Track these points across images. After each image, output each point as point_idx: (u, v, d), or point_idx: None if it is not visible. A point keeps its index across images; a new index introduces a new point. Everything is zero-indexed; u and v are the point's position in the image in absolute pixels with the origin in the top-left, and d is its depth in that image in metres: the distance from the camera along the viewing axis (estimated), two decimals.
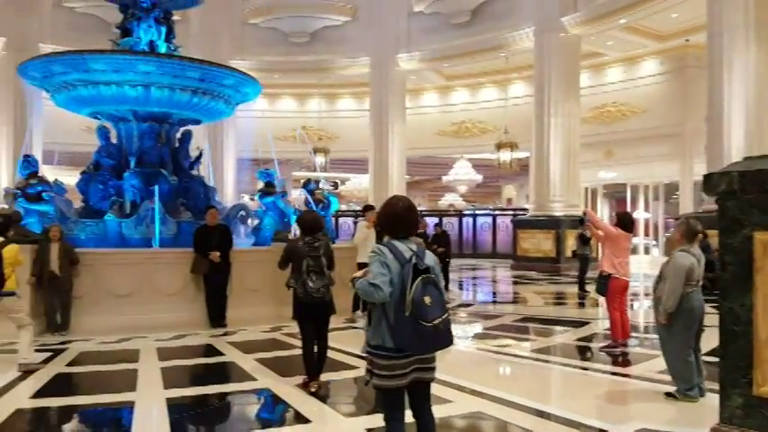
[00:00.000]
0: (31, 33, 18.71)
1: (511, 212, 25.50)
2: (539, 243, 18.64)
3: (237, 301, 8.83)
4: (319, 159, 22.93)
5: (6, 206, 9.91)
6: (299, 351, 6.54)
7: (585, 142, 19.25)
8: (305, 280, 5.28)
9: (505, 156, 20.39)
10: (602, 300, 8.23)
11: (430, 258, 3.14)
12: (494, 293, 14.28)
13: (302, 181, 16.10)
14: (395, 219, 3.19)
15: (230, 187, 21.71)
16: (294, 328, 7.74)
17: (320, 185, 15.90)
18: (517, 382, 6.05)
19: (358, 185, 31.69)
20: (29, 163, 9.45)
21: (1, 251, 5.93)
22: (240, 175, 22.84)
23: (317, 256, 5.38)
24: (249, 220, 11.99)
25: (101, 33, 16.72)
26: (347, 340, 7.02)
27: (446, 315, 3.03)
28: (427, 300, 2.94)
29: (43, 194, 9.19)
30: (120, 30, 11.20)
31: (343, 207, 27.53)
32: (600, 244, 9.08)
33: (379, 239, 9.52)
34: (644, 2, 16.12)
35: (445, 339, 3.04)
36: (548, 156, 18.32)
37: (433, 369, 3.16)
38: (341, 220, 25.53)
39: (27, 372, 5.89)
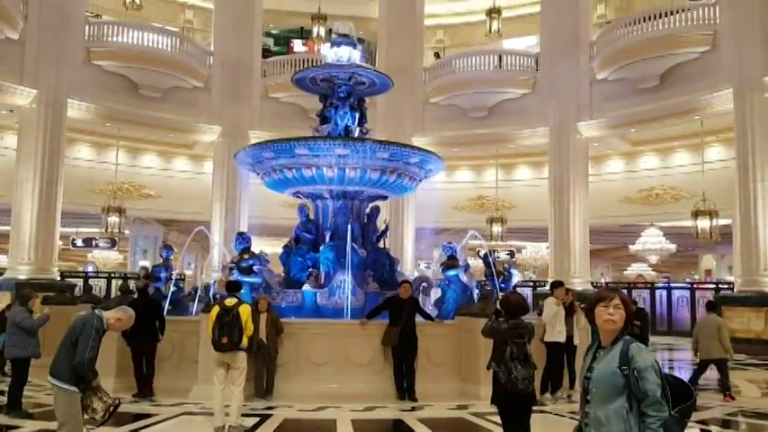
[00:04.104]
0: (242, 122, 21.32)
1: (712, 286, 23.08)
2: (748, 323, 16.55)
3: (422, 375, 8.93)
4: (496, 228, 22.81)
5: (223, 276, 11.18)
6: None
7: None
8: (510, 368, 5.04)
9: (704, 224, 18.68)
10: None
11: None
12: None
13: (481, 252, 16.12)
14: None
15: (409, 255, 22.32)
16: (480, 407, 7.69)
17: (498, 255, 15.85)
18: None
19: (535, 254, 30.98)
20: (243, 239, 10.61)
21: (237, 309, 6.70)
22: (417, 244, 23.46)
23: (522, 343, 5.15)
24: (431, 292, 12.24)
25: (301, 120, 18.66)
26: (539, 426, 6.68)
27: None
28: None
29: (254, 267, 10.22)
30: (320, 117, 12.42)
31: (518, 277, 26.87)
32: None
33: (568, 317, 9.14)
34: None
35: None
36: (755, 224, 16.50)
37: None
38: (518, 290, 24.89)
39: None
